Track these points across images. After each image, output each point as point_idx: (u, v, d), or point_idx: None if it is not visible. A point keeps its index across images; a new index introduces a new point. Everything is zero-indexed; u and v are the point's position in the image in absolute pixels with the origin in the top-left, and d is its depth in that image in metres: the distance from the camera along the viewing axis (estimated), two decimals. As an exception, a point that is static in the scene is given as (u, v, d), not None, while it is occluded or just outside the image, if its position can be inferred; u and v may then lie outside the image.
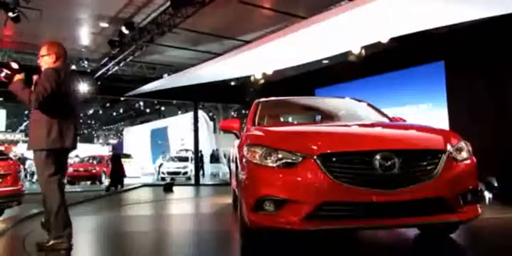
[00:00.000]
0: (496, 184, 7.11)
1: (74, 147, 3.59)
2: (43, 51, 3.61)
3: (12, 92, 3.43)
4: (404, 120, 4.44)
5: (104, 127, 48.13)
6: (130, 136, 30.54)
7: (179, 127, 24.35)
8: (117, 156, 13.86)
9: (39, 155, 3.44)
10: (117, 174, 12.99)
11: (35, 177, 15.16)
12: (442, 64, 9.20)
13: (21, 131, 34.87)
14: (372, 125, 3.92)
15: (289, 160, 3.00)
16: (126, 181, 14.05)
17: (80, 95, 3.90)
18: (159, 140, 26.74)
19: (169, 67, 14.26)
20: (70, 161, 19.92)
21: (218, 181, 16.89)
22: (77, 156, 22.15)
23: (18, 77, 3.46)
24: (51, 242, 3.40)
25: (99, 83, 13.69)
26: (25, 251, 3.69)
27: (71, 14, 9.47)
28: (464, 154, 3.16)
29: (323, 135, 3.42)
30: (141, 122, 34.94)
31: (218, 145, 22.45)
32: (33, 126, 3.50)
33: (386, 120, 4.32)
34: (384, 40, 8.63)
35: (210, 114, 28.55)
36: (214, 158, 20.83)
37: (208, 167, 21.46)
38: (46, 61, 3.58)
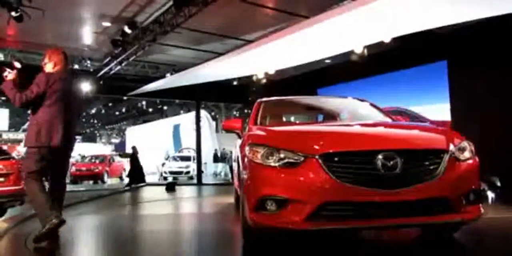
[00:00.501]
0: (499, 184, 7.10)
1: (63, 145, 3.77)
2: (45, 59, 3.97)
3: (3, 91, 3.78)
4: (407, 120, 4.43)
5: (106, 127, 48.23)
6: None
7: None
8: (134, 155, 14.45)
9: (29, 151, 3.77)
10: (135, 172, 13.90)
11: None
12: (445, 64, 9.18)
13: (24, 130, 34.95)
14: (375, 125, 3.90)
15: (291, 160, 3.00)
16: (127, 180, 14.22)
17: (82, 95, 4.12)
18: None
19: (171, 67, 14.26)
20: (72, 160, 20.00)
21: (221, 181, 16.90)
22: (79, 154, 22.21)
23: (9, 77, 3.79)
24: (44, 230, 3.59)
25: (101, 82, 13.71)
26: (27, 250, 3.70)
27: (74, 14, 9.48)
28: (466, 154, 3.14)
29: (325, 135, 3.41)
30: (144, 121, 35.07)
31: (220, 144, 22.43)
32: (29, 124, 3.85)
33: (388, 120, 4.31)
34: (387, 39, 8.61)
35: (212, 113, 28.57)
36: (221, 158, 20.79)
37: (211, 167, 21.47)
38: (47, 67, 3.94)
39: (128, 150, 29.15)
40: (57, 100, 3.75)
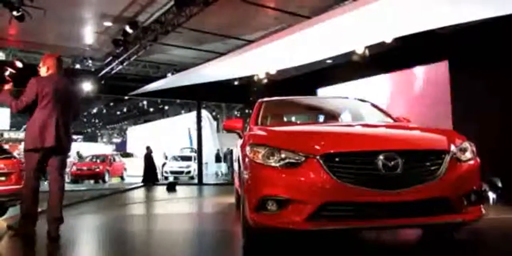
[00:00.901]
0: (500, 185, 7.08)
1: (57, 146, 3.93)
2: (41, 63, 4.22)
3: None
4: (408, 121, 4.42)
5: (107, 126, 48.24)
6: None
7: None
8: (149, 155, 15.03)
9: (26, 153, 4.00)
10: (149, 171, 14.68)
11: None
12: (446, 64, 9.16)
13: (25, 130, 34.79)
14: (376, 125, 3.90)
15: (292, 160, 2.99)
16: (129, 180, 14.33)
17: (79, 97, 4.40)
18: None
19: (172, 67, 14.27)
20: (72, 159, 20.05)
21: (221, 180, 16.91)
22: (77, 153, 22.19)
23: (6, 87, 4.12)
24: (14, 227, 4.04)
25: (103, 82, 13.72)
26: (28, 250, 3.71)
27: (75, 13, 9.49)
28: (468, 155, 3.14)
29: (326, 135, 3.40)
30: (145, 121, 35.05)
31: (222, 144, 22.37)
32: (26, 127, 4.08)
33: (390, 120, 4.31)
34: (388, 40, 8.60)
35: (213, 113, 28.54)
36: (224, 158, 20.74)
37: (212, 167, 21.43)
38: (42, 71, 4.18)
39: (129, 150, 29.26)
40: (50, 103, 3.93)
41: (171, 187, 11.44)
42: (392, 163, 2.82)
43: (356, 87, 10.94)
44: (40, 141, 3.85)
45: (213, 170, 21.47)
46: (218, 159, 21.13)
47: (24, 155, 4.02)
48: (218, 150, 21.49)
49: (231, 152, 18.35)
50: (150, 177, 14.67)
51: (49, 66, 4.14)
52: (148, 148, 15.31)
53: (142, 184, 14.02)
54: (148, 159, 15.11)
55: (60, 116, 3.97)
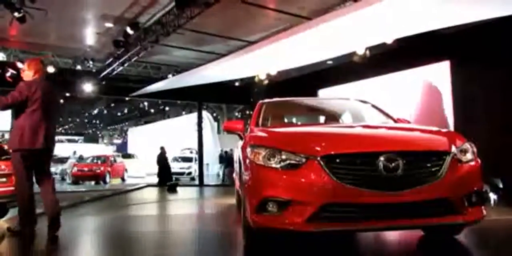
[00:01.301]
0: (501, 186, 7.07)
1: (46, 147, 4.06)
2: (25, 67, 4.26)
3: None
4: (409, 122, 4.42)
5: (108, 127, 48.28)
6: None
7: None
8: (163, 156, 14.95)
9: (14, 154, 4.04)
10: (164, 172, 14.64)
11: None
12: (447, 64, 9.15)
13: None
14: (376, 127, 3.90)
15: (293, 161, 2.99)
16: (130, 181, 14.24)
17: (59, 102, 4.56)
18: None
19: (174, 68, 14.29)
20: (73, 160, 20.07)
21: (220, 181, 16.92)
22: (74, 153, 22.19)
23: None
24: (17, 228, 4.10)
25: (104, 83, 13.73)
26: (28, 251, 3.70)
27: (76, 14, 9.50)
28: (468, 156, 3.13)
29: (327, 137, 3.40)
30: (146, 122, 35.11)
31: (223, 146, 22.36)
32: (12, 129, 4.17)
33: (390, 122, 4.30)
34: (389, 41, 8.60)
35: (214, 114, 28.55)
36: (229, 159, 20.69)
37: (214, 168, 21.41)
38: (27, 75, 4.21)
39: (130, 151, 29.25)
40: (39, 107, 4.03)
41: (171, 188, 11.43)
42: (393, 164, 2.81)
43: (357, 88, 10.95)
44: (31, 143, 3.97)
45: (214, 171, 21.46)
46: (221, 160, 21.10)
47: (13, 156, 4.09)
48: (221, 150, 21.47)
49: (225, 152, 18.36)
50: (165, 177, 14.45)
51: (35, 70, 4.21)
52: (162, 148, 15.14)
53: (158, 185, 13.84)
54: (162, 159, 14.93)
55: (48, 119, 4.12)
